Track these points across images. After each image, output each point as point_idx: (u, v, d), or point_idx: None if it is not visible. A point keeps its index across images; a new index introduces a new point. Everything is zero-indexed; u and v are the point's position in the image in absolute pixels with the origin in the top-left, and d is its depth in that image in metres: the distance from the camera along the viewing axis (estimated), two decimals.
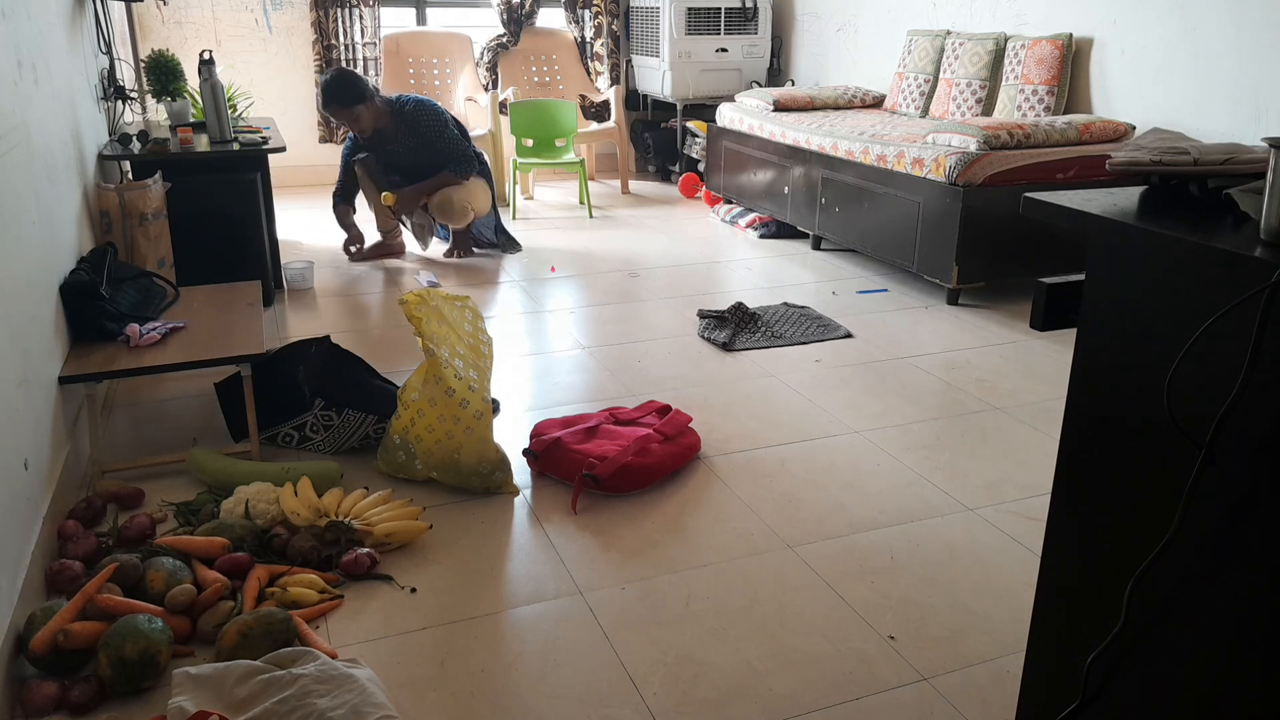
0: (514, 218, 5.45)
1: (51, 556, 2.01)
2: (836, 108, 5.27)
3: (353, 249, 4.52)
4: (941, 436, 2.73)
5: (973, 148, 3.74)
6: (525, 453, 2.51)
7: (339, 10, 5.90)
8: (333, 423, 2.58)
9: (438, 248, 4.72)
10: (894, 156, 4.04)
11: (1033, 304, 1.29)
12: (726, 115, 5.49)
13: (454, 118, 4.44)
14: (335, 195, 4.53)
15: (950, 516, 2.31)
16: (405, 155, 4.33)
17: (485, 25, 6.36)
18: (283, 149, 3.72)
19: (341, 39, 5.95)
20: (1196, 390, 1.06)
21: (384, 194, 4.28)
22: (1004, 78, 4.52)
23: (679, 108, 6.17)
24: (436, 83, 6.16)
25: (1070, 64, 4.28)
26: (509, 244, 4.67)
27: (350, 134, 4.40)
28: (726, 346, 3.41)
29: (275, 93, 5.97)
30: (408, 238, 4.70)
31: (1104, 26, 4.17)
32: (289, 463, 2.39)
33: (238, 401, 2.56)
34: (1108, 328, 1.17)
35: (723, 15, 6.04)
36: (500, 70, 6.32)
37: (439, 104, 4.39)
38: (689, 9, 5.95)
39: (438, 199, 4.32)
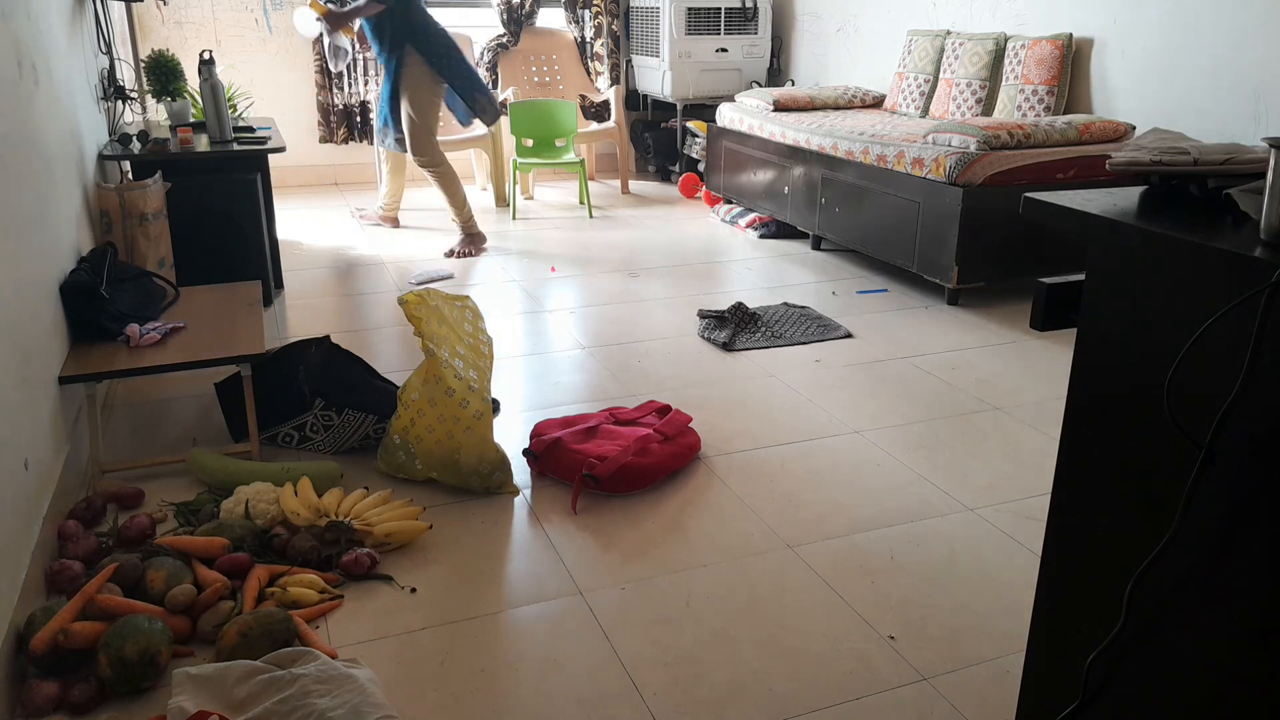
0: (514, 218, 5.45)
1: (51, 556, 2.01)
2: (836, 108, 5.27)
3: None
4: (941, 436, 2.73)
5: (973, 148, 3.74)
6: (525, 453, 2.51)
7: None
8: (333, 423, 2.58)
9: (441, 243, 4.73)
10: (894, 156, 4.04)
11: (1033, 304, 1.29)
12: (726, 115, 5.49)
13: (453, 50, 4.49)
14: None
15: (950, 516, 2.31)
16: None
17: (485, 25, 6.36)
18: (283, 149, 3.72)
19: None
20: (1196, 390, 1.06)
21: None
22: (1004, 78, 4.52)
23: (679, 108, 6.17)
24: None
25: (1070, 64, 4.27)
26: (489, 108, 4.66)
27: None
28: (726, 346, 3.41)
29: (275, 93, 5.97)
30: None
31: (1104, 26, 4.17)
32: (289, 463, 2.39)
33: (238, 401, 2.56)
34: (1107, 328, 1.17)
35: (723, 15, 6.04)
36: (500, 70, 6.32)
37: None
38: (689, 9, 5.95)
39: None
